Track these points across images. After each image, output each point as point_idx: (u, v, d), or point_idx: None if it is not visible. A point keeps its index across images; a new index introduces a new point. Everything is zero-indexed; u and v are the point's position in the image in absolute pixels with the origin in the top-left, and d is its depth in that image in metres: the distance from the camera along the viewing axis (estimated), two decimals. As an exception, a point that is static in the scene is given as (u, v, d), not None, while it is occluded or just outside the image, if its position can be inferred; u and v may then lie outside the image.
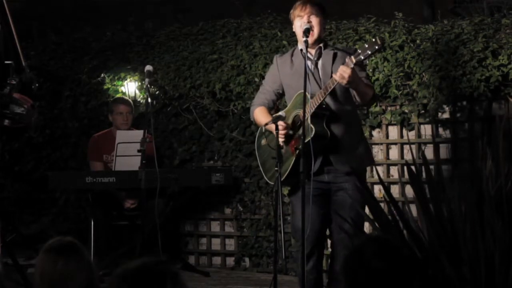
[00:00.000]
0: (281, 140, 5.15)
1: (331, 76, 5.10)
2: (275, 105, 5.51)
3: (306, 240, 5.01)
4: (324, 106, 5.10)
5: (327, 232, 5.33)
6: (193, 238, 7.66)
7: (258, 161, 5.48)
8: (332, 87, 5.00)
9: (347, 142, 5.15)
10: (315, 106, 5.03)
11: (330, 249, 5.66)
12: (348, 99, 5.16)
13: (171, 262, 2.95)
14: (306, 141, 4.95)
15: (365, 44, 4.94)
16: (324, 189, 5.14)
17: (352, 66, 4.92)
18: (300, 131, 5.04)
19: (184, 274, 3.42)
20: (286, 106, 5.32)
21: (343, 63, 5.02)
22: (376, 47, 4.89)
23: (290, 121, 5.21)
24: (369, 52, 4.91)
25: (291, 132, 5.18)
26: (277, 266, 5.50)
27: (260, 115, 5.37)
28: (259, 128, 5.45)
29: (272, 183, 5.30)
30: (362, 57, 4.92)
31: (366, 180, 5.40)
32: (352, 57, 4.93)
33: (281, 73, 5.31)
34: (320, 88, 5.10)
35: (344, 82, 4.94)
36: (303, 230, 4.91)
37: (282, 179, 5.10)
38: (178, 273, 2.84)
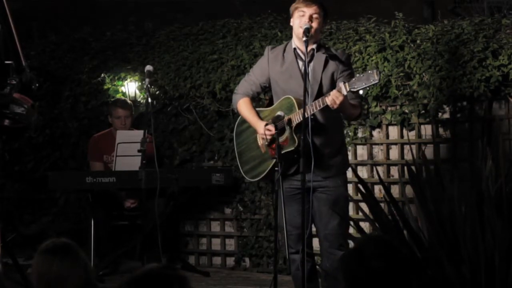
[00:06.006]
0: (264, 141, 5.21)
1: (320, 81, 5.11)
2: (258, 96, 5.58)
3: (288, 238, 5.13)
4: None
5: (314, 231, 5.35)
6: (193, 238, 7.66)
7: (235, 149, 5.54)
8: (322, 107, 5.01)
9: (326, 152, 5.19)
10: (301, 119, 5.01)
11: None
12: (333, 109, 5.12)
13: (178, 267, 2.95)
14: (285, 151, 5.10)
15: (363, 75, 4.91)
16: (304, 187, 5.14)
17: (345, 93, 4.91)
18: (283, 137, 5.14)
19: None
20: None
21: (333, 71, 5.10)
22: (373, 81, 4.88)
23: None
24: (364, 85, 4.89)
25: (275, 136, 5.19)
26: (277, 266, 5.50)
27: (245, 108, 5.36)
28: (240, 117, 5.49)
29: (249, 179, 5.48)
30: (356, 88, 4.90)
31: (347, 180, 5.41)
32: (347, 84, 4.90)
33: (271, 68, 5.29)
34: (308, 92, 5.10)
35: (335, 107, 4.94)
36: (303, 231, 4.92)
37: (258, 179, 5.38)
38: (186, 278, 2.84)
